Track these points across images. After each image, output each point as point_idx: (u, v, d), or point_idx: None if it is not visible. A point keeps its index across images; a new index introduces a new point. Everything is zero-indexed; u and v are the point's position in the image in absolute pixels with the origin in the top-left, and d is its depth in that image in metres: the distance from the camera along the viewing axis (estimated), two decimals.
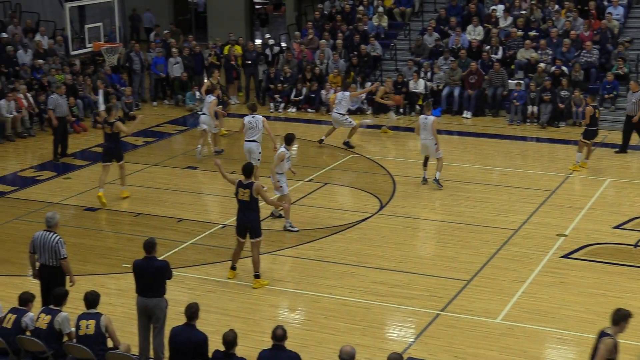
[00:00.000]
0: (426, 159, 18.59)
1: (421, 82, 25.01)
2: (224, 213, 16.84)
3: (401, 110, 25.02)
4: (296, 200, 17.57)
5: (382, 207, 17.33)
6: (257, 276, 13.69)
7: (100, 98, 23.68)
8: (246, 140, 17.90)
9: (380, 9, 28.37)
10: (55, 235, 11.55)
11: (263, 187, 13.70)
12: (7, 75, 24.75)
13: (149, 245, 11.03)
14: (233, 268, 13.98)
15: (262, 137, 17.93)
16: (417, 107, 24.71)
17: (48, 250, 11.52)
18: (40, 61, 25.40)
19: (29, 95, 23.68)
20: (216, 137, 21.31)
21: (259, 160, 17.70)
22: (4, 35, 25.91)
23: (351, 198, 18.06)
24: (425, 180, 18.58)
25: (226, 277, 13.93)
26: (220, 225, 16.34)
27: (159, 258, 11.24)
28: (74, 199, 18.05)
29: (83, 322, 10.22)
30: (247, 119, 17.88)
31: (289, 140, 16.19)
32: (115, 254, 15.12)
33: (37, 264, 11.74)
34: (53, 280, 11.46)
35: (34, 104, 23.64)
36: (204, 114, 20.83)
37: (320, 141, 21.91)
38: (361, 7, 28.72)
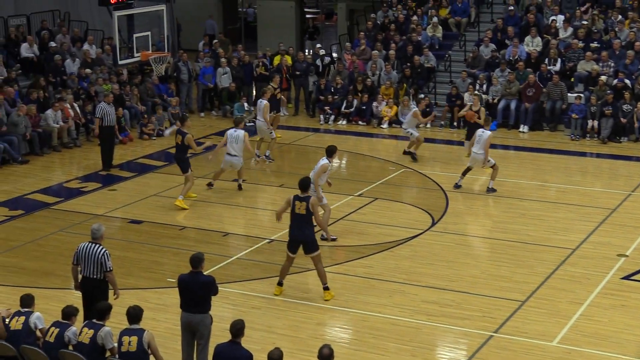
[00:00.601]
0: (468, 170, 19.20)
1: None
2: (271, 227, 16.87)
3: (455, 123, 24.95)
4: (345, 215, 17.57)
5: (433, 224, 17.24)
6: (326, 288, 13.77)
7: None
8: (228, 154, 18.71)
9: (435, 19, 28.30)
10: (101, 247, 11.71)
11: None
12: (54, 85, 25.13)
13: (196, 260, 11.10)
14: (280, 284, 14.00)
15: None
16: None
17: (93, 263, 11.66)
18: (88, 70, 25.75)
19: (75, 105, 24.04)
20: (272, 143, 21.51)
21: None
22: (52, 44, 26.32)
23: (402, 214, 17.99)
24: (458, 186, 19.15)
25: (272, 294, 13.95)
26: (267, 240, 16.39)
27: (204, 273, 11.29)
28: (119, 211, 18.25)
29: (125, 338, 10.29)
30: (229, 132, 18.72)
31: (330, 152, 16.28)
32: (160, 267, 15.24)
33: (80, 277, 11.89)
34: (96, 293, 11.59)
35: (81, 114, 23.99)
36: (258, 120, 21.10)
37: (407, 153, 21.86)
38: (415, 17, 28.67)
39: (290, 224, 13.63)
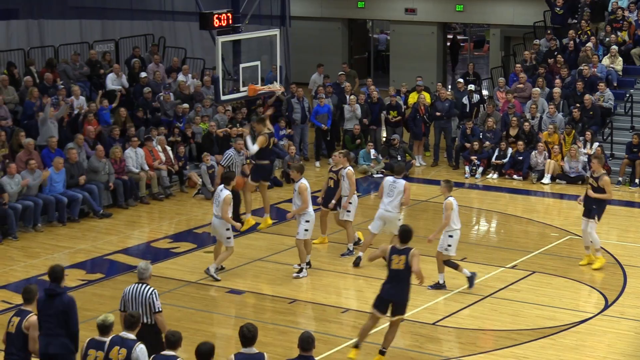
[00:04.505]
0: None
1: None
2: None
3: (637, 180, 24.54)
4: (494, 292, 17.46)
5: (607, 307, 16.96)
6: (382, 353, 14.27)
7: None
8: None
9: (614, 48, 27.98)
10: (149, 286, 12.64)
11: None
12: (145, 123, 25.62)
13: (306, 342, 11.22)
14: (356, 346, 14.38)
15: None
16: None
17: (141, 304, 12.51)
18: (185, 106, 26.30)
19: (168, 147, 24.52)
20: None
21: None
22: (143, 74, 26.89)
23: (566, 292, 17.76)
24: None
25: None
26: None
27: (317, 358, 11.38)
28: None
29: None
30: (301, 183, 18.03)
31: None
32: (264, 349, 15.22)
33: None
34: (149, 340, 12.17)
35: (174, 159, 24.45)
36: None
37: None
38: (589, 44, 28.36)
39: (386, 280, 14.12)
